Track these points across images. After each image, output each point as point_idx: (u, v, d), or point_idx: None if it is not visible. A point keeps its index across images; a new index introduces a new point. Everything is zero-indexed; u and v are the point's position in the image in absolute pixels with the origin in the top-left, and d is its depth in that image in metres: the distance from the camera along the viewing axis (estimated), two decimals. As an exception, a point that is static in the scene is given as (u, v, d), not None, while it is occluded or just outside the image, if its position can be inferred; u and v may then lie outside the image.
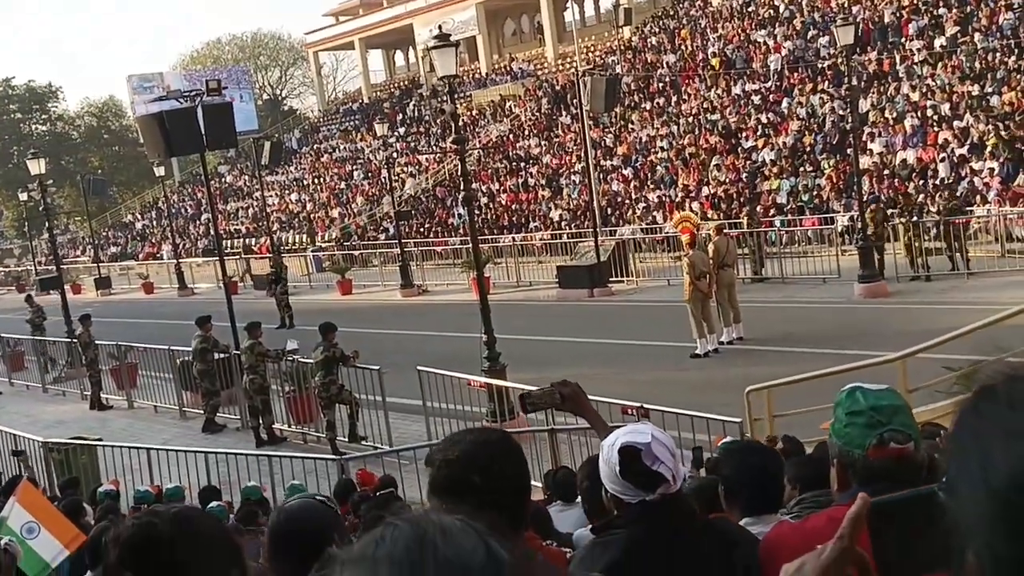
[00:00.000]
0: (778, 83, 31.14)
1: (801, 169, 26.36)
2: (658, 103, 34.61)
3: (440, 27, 17.02)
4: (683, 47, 36.90)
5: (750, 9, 36.82)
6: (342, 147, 49.51)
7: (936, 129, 24.57)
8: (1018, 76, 24.49)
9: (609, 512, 2.41)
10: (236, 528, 6.81)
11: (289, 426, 14.04)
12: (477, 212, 27.99)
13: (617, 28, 40.26)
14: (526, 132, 39.32)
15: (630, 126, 34.23)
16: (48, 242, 32.96)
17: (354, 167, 45.92)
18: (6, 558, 4.58)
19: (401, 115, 48.58)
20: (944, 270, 18.25)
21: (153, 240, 49.56)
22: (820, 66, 30.19)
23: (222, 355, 14.76)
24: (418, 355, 14.82)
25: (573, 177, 33.12)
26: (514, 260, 26.53)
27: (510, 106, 42.58)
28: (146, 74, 56.87)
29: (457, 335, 17.46)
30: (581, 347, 16.80)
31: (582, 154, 28.25)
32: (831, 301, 17.69)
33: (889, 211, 20.51)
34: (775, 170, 26.96)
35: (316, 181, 46.79)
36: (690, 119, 32.11)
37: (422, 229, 35.77)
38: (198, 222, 48.71)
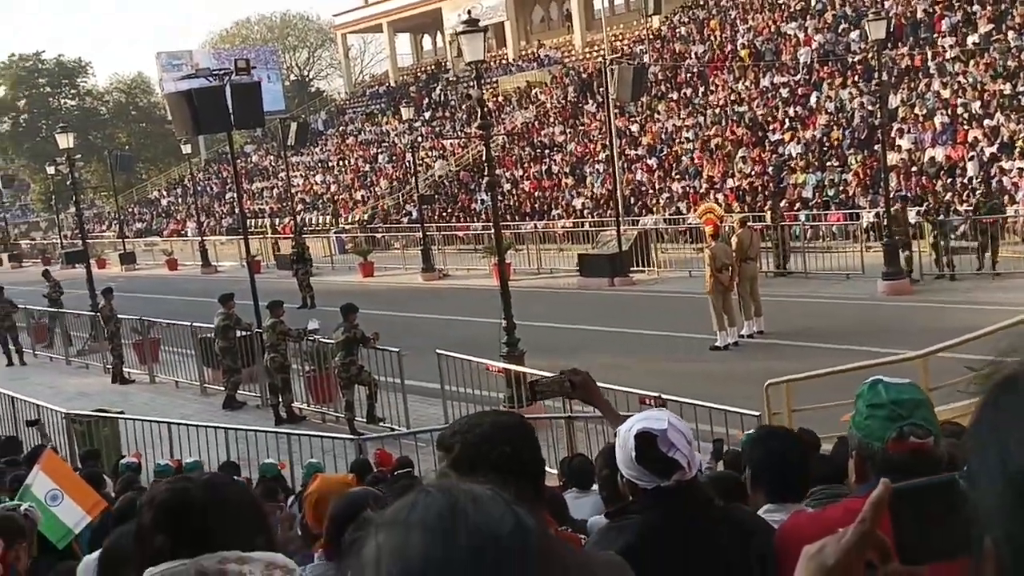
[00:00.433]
0: (807, 76, 30.88)
1: (828, 164, 26.17)
2: (685, 93, 34.43)
3: (469, 12, 17.03)
4: (712, 38, 36.66)
5: (781, 2, 36.50)
6: (367, 130, 49.61)
7: (966, 127, 24.30)
8: (1052, 75, 24.19)
9: (624, 498, 2.43)
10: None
11: (308, 405, 14.15)
12: (500, 198, 27.95)
13: (646, 17, 40.01)
14: (551, 119, 39.24)
15: (656, 116, 34.07)
16: (75, 216, 33.28)
17: (379, 150, 46.01)
18: (27, 523, 4.66)
19: (427, 99, 48.59)
20: (969, 270, 18.09)
21: (178, 217, 49.93)
22: (850, 60, 29.91)
23: (244, 333, 14.88)
24: (437, 339, 14.88)
25: (597, 166, 33.04)
26: (535, 247, 26.54)
27: (536, 93, 42.49)
28: (175, 52, 57.14)
29: (477, 320, 17.52)
30: (600, 336, 16.80)
31: (607, 143, 28.17)
32: (854, 297, 17.59)
33: (916, 209, 20.35)
34: (801, 164, 26.77)
35: (341, 163, 46.93)
36: (717, 110, 31.92)
37: (444, 214, 35.83)
38: (223, 200, 49.01)
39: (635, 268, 22.49)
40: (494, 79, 44.26)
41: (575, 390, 2.95)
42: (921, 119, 25.53)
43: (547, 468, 6.95)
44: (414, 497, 0.84)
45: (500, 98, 43.44)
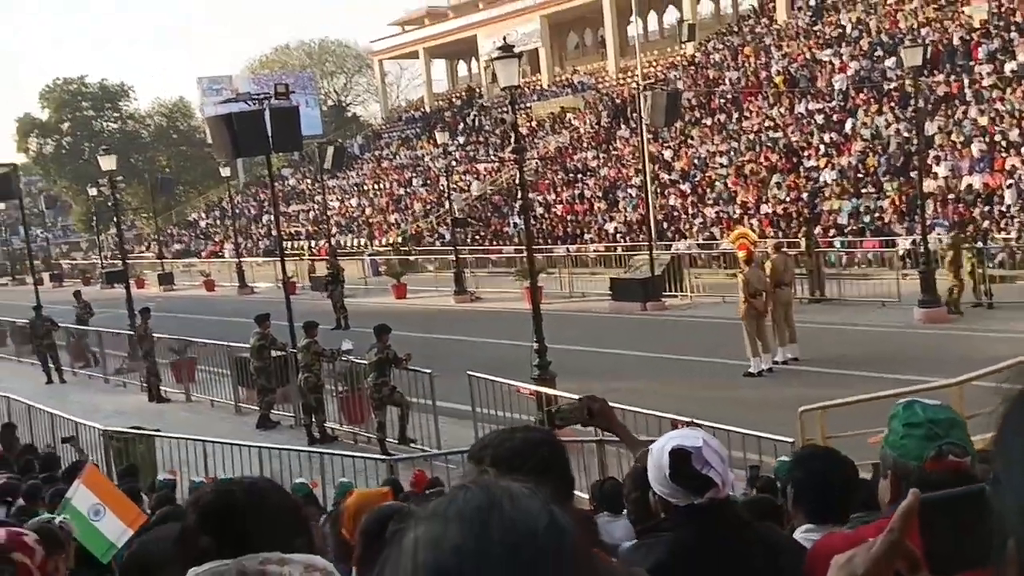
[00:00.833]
0: (842, 103, 30.75)
1: (863, 191, 25.99)
2: (719, 119, 34.41)
3: (504, 38, 17.17)
4: (746, 64, 36.65)
5: (816, 28, 36.46)
6: (403, 154, 50.05)
7: (1004, 155, 24.06)
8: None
9: (656, 515, 2.44)
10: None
11: (341, 425, 14.22)
12: (533, 222, 28.07)
13: (680, 44, 40.14)
14: (584, 144, 39.36)
15: (689, 141, 34.07)
16: (115, 237, 33.83)
17: (413, 174, 46.38)
18: (63, 533, 4.73)
19: (461, 124, 48.96)
20: (1008, 298, 17.84)
21: (216, 239, 50.56)
22: (886, 87, 29.75)
23: (279, 353, 15.01)
24: (469, 360, 14.91)
25: (630, 190, 33.06)
26: (567, 271, 26.55)
27: (569, 118, 42.67)
28: (215, 77, 58.13)
29: (508, 343, 17.54)
30: (632, 360, 16.75)
31: (640, 167, 28.20)
32: (889, 325, 17.40)
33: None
34: (836, 190, 26.61)
35: (376, 187, 47.34)
36: (751, 136, 31.86)
37: (477, 237, 35.98)
38: (260, 223, 49.60)
39: (668, 293, 22.43)
40: (528, 104, 44.53)
41: (593, 417, 2.96)
42: (958, 146, 25.32)
43: (578, 493, 6.94)
44: (454, 492, 0.88)
45: (534, 123, 43.67)
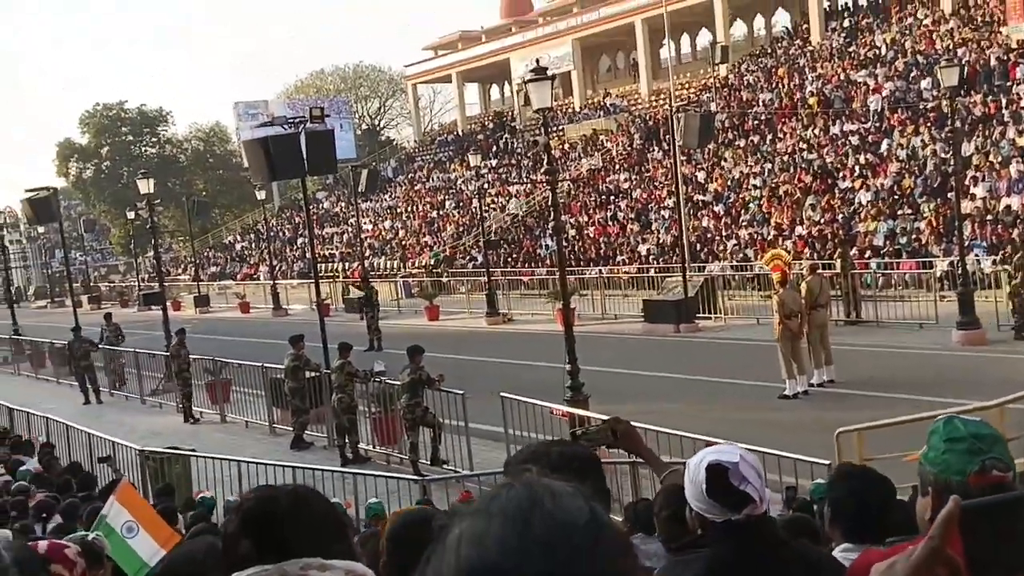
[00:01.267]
0: (878, 124, 30.54)
1: (899, 212, 25.74)
2: (752, 141, 34.29)
3: (537, 61, 17.31)
4: (780, 86, 36.55)
5: (851, 49, 36.30)
6: (436, 177, 50.38)
7: (1044, 175, 23.73)
8: None
9: (692, 532, 2.42)
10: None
11: (374, 446, 14.25)
12: (565, 244, 28.10)
13: (713, 66, 40.14)
14: (616, 166, 39.38)
15: (723, 163, 33.97)
16: (153, 260, 34.31)
17: (446, 196, 46.65)
18: (95, 548, 4.77)
19: (494, 147, 49.22)
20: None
21: (251, 261, 51.11)
22: (922, 108, 29.51)
23: (313, 374, 15.10)
24: (501, 382, 14.91)
25: (662, 212, 33.00)
26: (600, 292, 26.51)
27: (602, 140, 42.75)
28: (252, 102, 58.98)
29: (541, 364, 17.51)
30: (666, 382, 16.67)
31: (672, 189, 28.14)
32: (927, 347, 17.16)
33: (992, 258, 19.86)
34: (872, 212, 26.37)
35: (409, 209, 47.66)
36: (785, 158, 31.70)
37: (510, 259, 36.05)
38: (294, 245, 50.08)
39: (701, 315, 22.30)
40: (560, 127, 44.69)
41: (618, 439, 2.95)
42: (996, 167, 25.02)
43: (611, 516, 6.90)
44: (498, 489, 0.89)
45: (566, 145, 43.80)
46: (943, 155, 25.99)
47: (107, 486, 8.86)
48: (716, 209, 31.35)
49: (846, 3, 42.08)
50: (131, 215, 45.66)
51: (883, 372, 15.45)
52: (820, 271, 17.20)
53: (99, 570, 4.61)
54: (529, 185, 41.98)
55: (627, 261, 31.18)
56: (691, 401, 14.67)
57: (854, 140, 30.34)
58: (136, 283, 48.33)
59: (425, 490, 10.64)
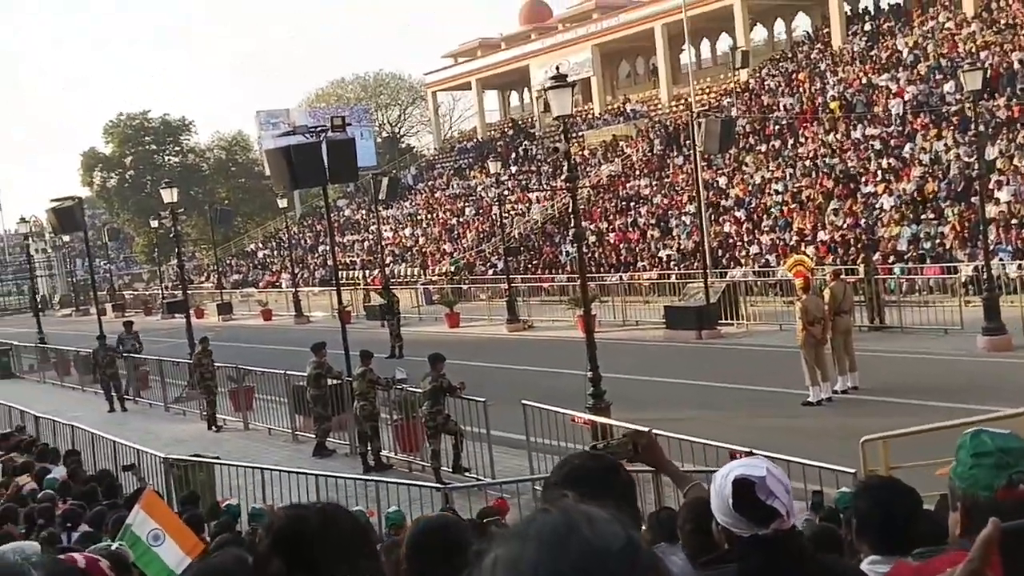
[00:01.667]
0: (900, 128, 30.33)
1: (923, 216, 25.54)
2: (774, 146, 34.15)
3: (557, 68, 17.30)
4: (801, 90, 36.38)
5: (872, 53, 36.10)
6: (455, 184, 50.49)
7: (1070, 178, 23.47)
8: None
9: (719, 546, 2.41)
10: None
11: (395, 453, 14.27)
12: (585, 250, 28.06)
13: (734, 71, 40.02)
14: (637, 172, 39.32)
15: (744, 168, 33.84)
16: (176, 268, 34.56)
17: (466, 203, 46.73)
18: (123, 559, 4.81)
19: (514, 154, 49.28)
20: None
21: (273, 269, 51.40)
22: (945, 111, 29.29)
23: (335, 381, 15.15)
24: (522, 389, 14.90)
25: (683, 218, 32.90)
26: (620, 299, 26.45)
27: (622, 146, 42.69)
28: (273, 111, 59.37)
29: (562, 371, 17.50)
30: (688, 389, 16.61)
31: (693, 194, 28.06)
32: (952, 353, 17.00)
33: (1018, 263, 19.66)
34: (895, 216, 26.18)
35: (429, 216, 47.78)
36: (807, 162, 31.54)
37: (530, 265, 36.05)
38: (316, 253, 50.31)
39: (723, 321, 22.20)
40: (580, 133, 44.68)
41: (640, 453, 2.93)
42: (1021, 170, 24.77)
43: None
44: (535, 514, 0.90)
45: (586, 151, 43.79)
46: (967, 159, 25.78)
47: (132, 494, 8.92)
48: (738, 214, 31.23)
49: (867, 7, 41.87)
50: (154, 224, 45.97)
51: (907, 379, 15.32)
52: (843, 277, 17.09)
53: (127, 579, 4.65)
54: (549, 192, 41.99)
55: (648, 267, 31.10)
56: (713, 408, 14.61)
57: (876, 144, 30.15)
58: (160, 291, 48.70)
59: (447, 498, 10.64)
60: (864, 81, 33.98)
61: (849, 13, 41.04)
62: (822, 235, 27.28)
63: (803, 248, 26.35)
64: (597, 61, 49.23)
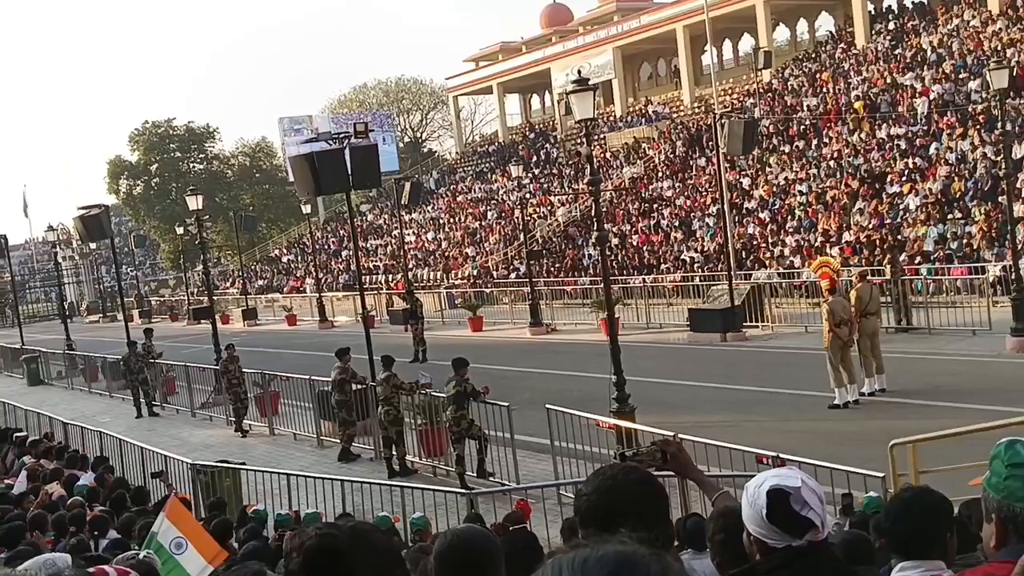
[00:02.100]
0: (925, 127, 30.05)
1: (949, 216, 25.27)
2: (797, 146, 33.93)
3: (579, 71, 17.29)
4: (824, 90, 36.13)
5: (897, 52, 35.80)
6: (477, 188, 50.56)
7: (1100, 176, 23.15)
8: None
9: (751, 557, 2.38)
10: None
11: (420, 458, 14.29)
12: (608, 253, 28.01)
13: (756, 71, 39.81)
14: (659, 174, 39.19)
15: (768, 169, 33.65)
16: (201, 274, 34.81)
17: (488, 207, 46.78)
18: (152, 569, 4.84)
19: (535, 157, 49.28)
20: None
21: (297, 274, 51.67)
22: (971, 110, 28.98)
23: (360, 386, 15.20)
24: (546, 393, 14.89)
25: (707, 219, 32.76)
26: (644, 301, 26.37)
27: (644, 148, 42.58)
28: (296, 117, 59.71)
29: (585, 375, 17.46)
30: (713, 392, 16.53)
31: (717, 196, 27.93)
32: (980, 354, 16.82)
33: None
34: (921, 216, 25.93)
35: (451, 220, 47.87)
36: (831, 163, 31.32)
37: (552, 269, 36.02)
38: (339, 258, 50.53)
39: (748, 323, 22.07)
40: (602, 135, 44.60)
41: (668, 461, 2.92)
42: (1050, 168, 24.48)
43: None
44: (588, 552, 0.89)
45: (608, 154, 43.70)
46: (993, 158, 25.49)
47: (159, 501, 8.99)
48: (762, 216, 31.05)
49: (890, 5, 41.53)
50: (180, 230, 46.43)
51: (935, 381, 15.17)
52: (869, 278, 16.94)
53: (154, 587, 4.68)
54: (571, 195, 41.95)
55: (671, 269, 30.98)
56: (739, 412, 14.53)
57: (901, 144, 29.89)
58: (186, 297, 49.07)
59: (472, 503, 10.64)
60: (888, 80, 33.70)
61: (872, 12, 40.72)
62: (847, 236, 27.07)
63: (828, 249, 26.17)
64: (618, 63, 49.14)
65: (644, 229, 35.24)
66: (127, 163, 64.98)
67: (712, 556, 5.12)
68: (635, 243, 34.65)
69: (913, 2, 39.68)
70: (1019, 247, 18.55)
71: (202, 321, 30.79)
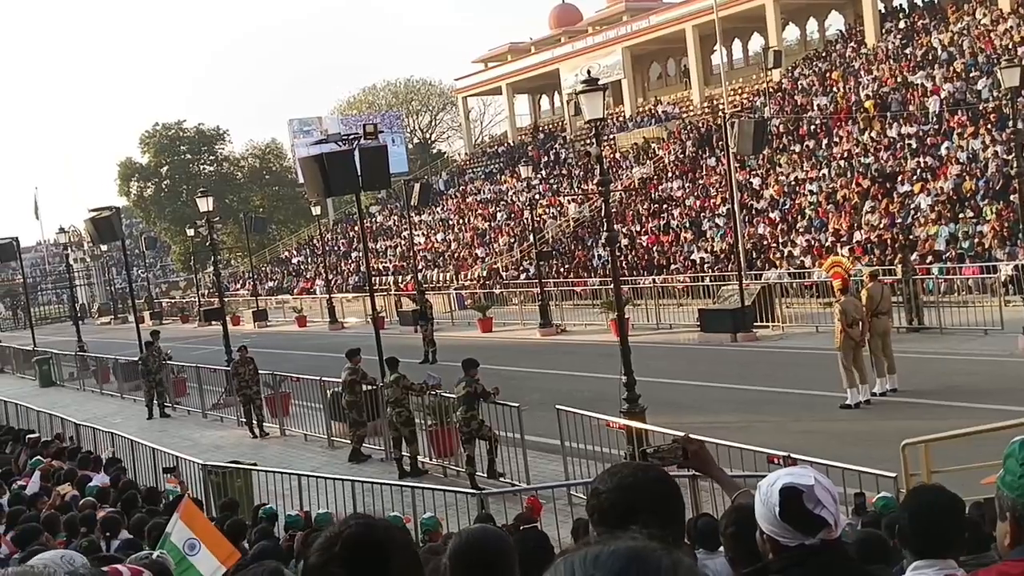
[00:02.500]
0: (936, 126, 29.93)
1: (960, 215, 25.17)
2: (808, 145, 33.84)
3: (588, 72, 17.29)
4: (835, 89, 36.03)
5: (907, 51, 35.67)
6: (487, 189, 50.58)
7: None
8: None
9: (763, 555, 2.38)
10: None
11: (430, 459, 14.30)
12: (618, 253, 27.95)
13: (766, 71, 39.72)
14: (669, 174, 39.14)
15: (778, 168, 33.57)
16: (212, 275, 34.93)
17: (497, 208, 46.80)
18: (165, 569, 4.85)
19: (544, 158, 49.27)
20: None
21: (307, 276, 51.79)
22: (982, 109, 28.85)
23: (370, 387, 15.23)
24: (556, 394, 14.89)
25: (717, 219, 32.69)
26: (654, 302, 26.33)
27: (654, 148, 42.53)
28: (306, 118, 59.84)
29: (595, 376, 17.44)
30: (724, 392, 16.49)
31: (727, 196, 27.86)
32: (992, 354, 16.73)
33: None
34: (932, 216, 25.83)
35: (461, 221, 47.90)
36: (841, 162, 31.22)
37: (562, 269, 36.00)
38: (349, 259, 50.62)
39: (758, 323, 22.02)
40: (611, 136, 44.57)
41: (689, 458, 2.91)
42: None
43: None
44: (599, 548, 0.89)
45: (617, 154, 43.67)
46: (1005, 157, 25.37)
47: (171, 502, 9.01)
48: (772, 216, 30.98)
49: (901, 4, 41.37)
50: (190, 232, 46.60)
51: (947, 380, 15.10)
52: (881, 277, 16.88)
53: (167, 587, 4.69)
54: (581, 195, 41.93)
55: (681, 270, 30.93)
56: (750, 412, 14.49)
57: (912, 143, 29.78)
58: (196, 299, 49.24)
59: (483, 504, 10.64)
60: (899, 79, 33.58)
61: (883, 11, 40.58)
62: (858, 235, 26.98)
63: (839, 249, 26.08)
64: (628, 63, 49.09)
65: (654, 229, 35.19)
66: (138, 165, 65.27)
67: (724, 550, 5.11)
68: (645, 243, 34.60)
69: (923, 1, 39.52)
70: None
71: (213, 322, 30.85)
